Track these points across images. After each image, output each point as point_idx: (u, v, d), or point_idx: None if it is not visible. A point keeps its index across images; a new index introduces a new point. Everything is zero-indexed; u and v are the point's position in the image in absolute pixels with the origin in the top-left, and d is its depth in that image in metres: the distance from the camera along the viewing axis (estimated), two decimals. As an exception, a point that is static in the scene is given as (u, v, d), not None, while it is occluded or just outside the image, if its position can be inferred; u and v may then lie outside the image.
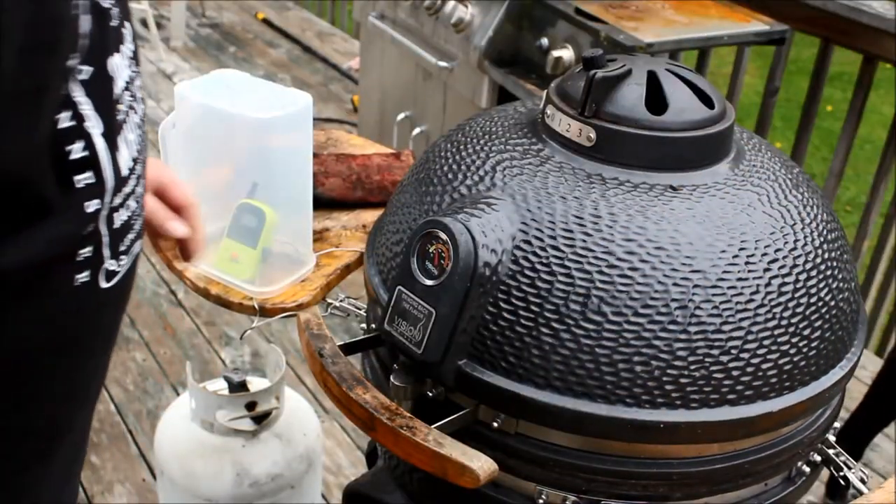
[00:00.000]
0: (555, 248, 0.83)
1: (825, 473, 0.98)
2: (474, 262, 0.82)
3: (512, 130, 0.96)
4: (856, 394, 2.09)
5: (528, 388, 0.84)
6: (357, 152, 1.44)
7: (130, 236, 0.62)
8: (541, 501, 0.90)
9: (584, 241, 0.83)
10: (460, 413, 0.88)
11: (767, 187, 0.90)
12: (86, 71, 0.53)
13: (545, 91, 0.96)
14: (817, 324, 0.87)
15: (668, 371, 0.81)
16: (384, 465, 1.09)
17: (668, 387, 0.82)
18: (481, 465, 0.81)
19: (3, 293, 0.52)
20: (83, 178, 0.54)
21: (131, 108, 0.61)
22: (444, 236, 0.84)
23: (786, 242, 0.86)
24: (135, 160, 0.61)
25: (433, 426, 0.85)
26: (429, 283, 0.85)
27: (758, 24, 2.18)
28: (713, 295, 0.82)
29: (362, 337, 0.94)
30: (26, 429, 0.60)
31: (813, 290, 0.86)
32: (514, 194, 0.87)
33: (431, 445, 0.82)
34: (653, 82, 0.90)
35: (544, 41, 2.15)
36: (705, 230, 0.84)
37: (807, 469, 0.97)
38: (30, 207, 0.52)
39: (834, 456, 0.97)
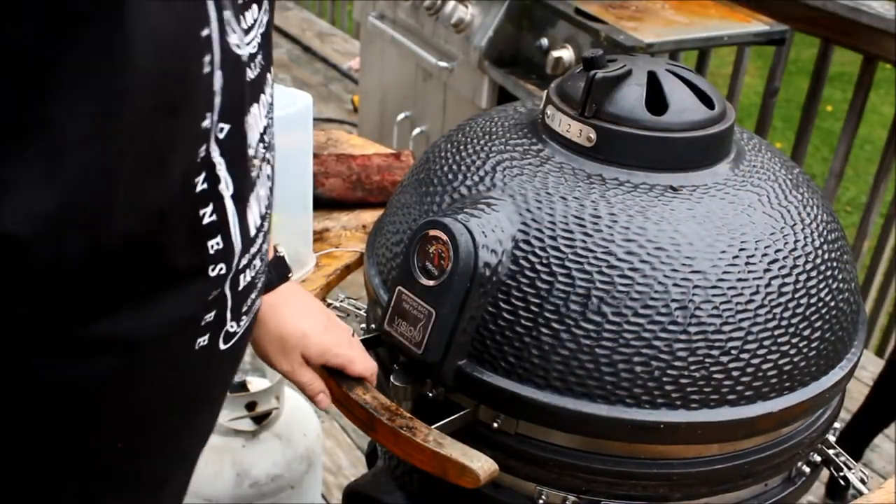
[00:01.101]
0: (555, 248, 0.83)
1: (825, 474, 0.98)
2: (474, 262, 0.82)
3: (512, 131, 0.96)
4: (856, 394, 2.09)
5: (528, 388, 0.84)
6: (357, 152, 1.44)
7: (252, 296, 0.59)
8: (541, 502, 0.90)
9: (585, 241, 0.83)
10: (460, 413, 0.88)
11: (767, 188, 0.90)
12: (223, 129, 0.50)
13: (545, 91, 0.96)
14: (817, 324, 0.87)
15: (668, 371, 0.81)
16: (384, 466, 1.09)
17: (668, 387, 0.82)
18: (481, 465, 0.81)
19: (129, 360, 0.50)
20: (214, 244, 0.51)
21: (265, 160, 0.58)
22: (444, 237, 0.84)
23: (786, 243, 0.86)
24: (263, 217, 0.58)
25: (433, 426, 0.85)
26: (429, 283, 0.85)
27: (758, 25, 2.18)
28: (713, 295, 0.82)
29: (362, 337, 0.94)
30: (139, 478, 0.59)
31: (813, 291, 0.86)
32: (514, 195, 0.87)
33: (431, 446, 0.82)
34: (653, 83, 0.90)
35: (544, 41, 2.15)
36: (705, 231, 0.84)
37: (807, 469, 0.97)
38: (163, 274, 0.49)
39: (834, 456, 0.97)
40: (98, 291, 0.47)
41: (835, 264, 0.90)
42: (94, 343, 0.48)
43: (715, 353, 0.82)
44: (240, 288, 0.56)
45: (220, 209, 0.51)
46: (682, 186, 0.87)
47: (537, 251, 0.84)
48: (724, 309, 0.82)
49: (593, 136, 0.88)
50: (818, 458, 0.97)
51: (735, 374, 0.83)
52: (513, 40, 2.24)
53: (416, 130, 2.62)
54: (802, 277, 0.86)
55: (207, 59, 0.46)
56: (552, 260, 0.83)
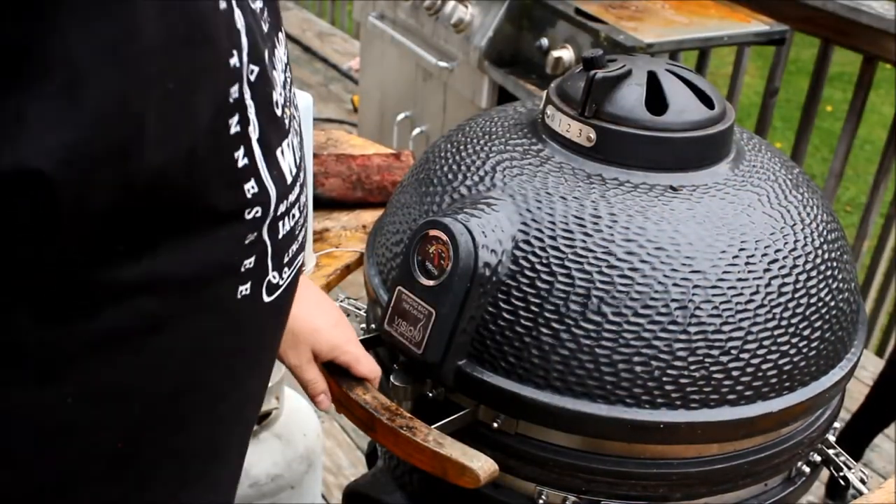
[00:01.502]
0: (555, 248, 0.83)
1: (825, 474, 0.99)
2: (474, 262, 0.82)
3: (512, 131, 0.96)
4: (856, 394, 2.09)
5: (528, 388, 0.84)
6: (357, 153, 1.44)
7: (294, 247, 0.58)
8: (541, 502, 0.90)
9: (584, 241, 0.83)
10: (460, 413, 0.88)
11: (767, 188, 0.90)
12: (254, 71, 0.49)
13: (545, 91, 0.96)
14: (817, 324, 0.87)
15: (668, 371, 0.81)
16: (384, 466, 1.09)
17: (668, 387, 0.82)
18: (481, 465, 0.81)
19: (170, 304, 0.49)
20: (249, 187, 0.50)
21: (292, 114, 0.57)
22: (444, 237, 0.84)
23: (786, 243, 0.86)
24: (297, 165, 0.56)
25: (433, 426, 0.85)
26: (429, 283, 0.85)
27: (758, 25, 2.18)
28: (713, 295, 0.82)
29: (362, 337, 0.94)
30: (188, 448, 0.57)
31: (813, 291, 0.86)
32: (514, 194, 0.87)
33: (431, 446, 0.82)
34: (653, 82, 0.90)
35: (544, 41, 2.15)
36: (705, 230, 0.84)
37: (807, 469, 0.97)
38: (199, 214, 0.48)
39: (834, 456, 0.97)
40: (131, 230, 0.46)
41: (835, 264, 0.90)
42: (129, 286, 0.47)
43: (715, 352, 0.82)
44: (279, 236, 0.54)
45: (249, 152, 0.50)
46: (681, 186, 0.87)
47: (537, 251, 0.84)
48: (723, 309, 0.82)
49: (593, 135, 0.88)
50: (818, 458, 0.97)
51: (735, 373, 0.83)
52: (513, 40, 2.25)
53: (416, 130, 2.62)
54: (802, 277, 0.86)
55: None
56: (552, 260, 0.83)
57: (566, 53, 2.08)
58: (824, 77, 2.48)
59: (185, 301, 0.50)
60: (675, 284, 0.81)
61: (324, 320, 0.87)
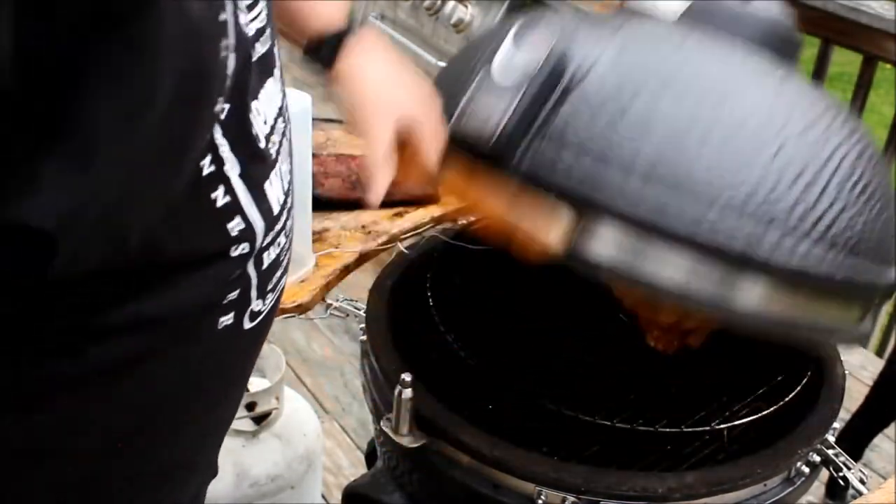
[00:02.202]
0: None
1: (825, 474, 0.99)
2: (564, 64, 0.79)
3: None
4: (855, 394, 2.08)
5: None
6: (356, 153, 1.44)
7: (278, 273, 0.58)
8: (540, 502, 0.90)
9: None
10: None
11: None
12: (224, 109, 0.49)
13: None
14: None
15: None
16: (384, 466, 1.09)
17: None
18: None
19: (152, 341, 0.50)
20: (233, 225, 0.51)
21: (284, 135, 0.57)
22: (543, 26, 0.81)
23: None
24: (286, 193, 0.57)
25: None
26: (514, 74, 0.81)
27: (757, 25, 2.18)
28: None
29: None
30: (168, 466, 0.59)
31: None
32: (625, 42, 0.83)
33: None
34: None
35: (544, 41, 2.15)
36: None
37: (806, 469, 0.97)
38: (183, 258, 0.49)
39: (833, 456, 0.97)
40: (119, 280, 0.47)
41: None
42: (115, 328, 0.48)
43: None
44: (264, 267, 0.55)
45: (230, 190, 0.50)
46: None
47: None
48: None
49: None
50: (818, 459, 0.97)
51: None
52: (512, 40, 2.24)
53: (416, 130, 2.62)
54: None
55: (224, 43, 0.46)
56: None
57: (566, 53, 2.08)
58: (824, 77, 2.47)
59: (167, 337, 0.51)
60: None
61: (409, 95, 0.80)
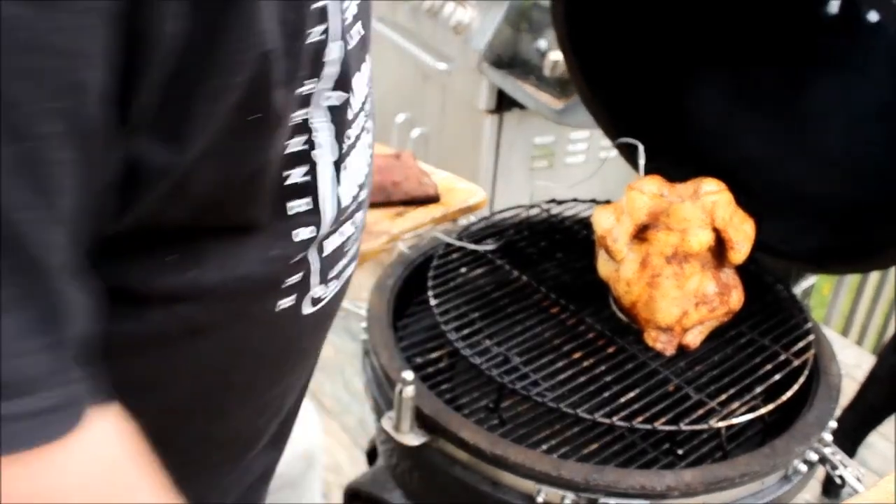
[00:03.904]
0: None
1: (821, 472, 0.99)
2: None
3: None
4: (852, 393, 2.09)
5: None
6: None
7: (343, 262, 0.58)
8: (540, 500, 0.91)
9: None
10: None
11: None
12: (335, 98, 0.50)
13: None
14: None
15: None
16: (384, 464, 1.10)
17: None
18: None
19: (211, 312, 0.51)
20: (297, 205, 0.51)
21: (364, 129, 0.57)
22: None
23: None
24: (360, 186, 0.57)
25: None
26: None
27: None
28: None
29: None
30: (227, 437, 0.60)
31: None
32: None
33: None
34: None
35: (543, 43, 2.16)
36: None
37: (803, 468, 0.98)
38: (235, 227, 0.49)
39: (830, 454, 0.98)
40: (181, 243, 0.48)
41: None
42: (175, 295, 0.49)
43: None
44: (325, 253, 0.55)
45: (313, 173, 0.51)
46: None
47: None
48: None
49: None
50: (814, 457, 0.98)
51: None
52: (512, 42, 2.25)
53: (415, 132, 2.63)
54: None
55: (319, 29, 0.47)
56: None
57: (564, 55, 2.09)
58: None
59: (226, 310, 0.52)
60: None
61: None
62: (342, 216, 0.55)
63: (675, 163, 1.23)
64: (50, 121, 0.37)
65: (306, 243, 0.53)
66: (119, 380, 0.48)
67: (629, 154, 1.20)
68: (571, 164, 2.42)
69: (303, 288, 0.55)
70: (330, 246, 0.56)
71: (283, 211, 0.51)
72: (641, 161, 1.17)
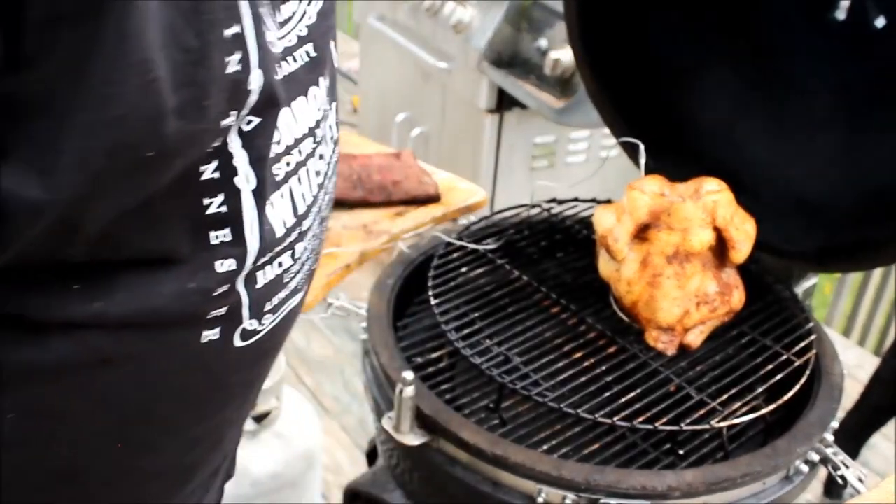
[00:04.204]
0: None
1: (823, 472, 0.99)
2: None
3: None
4: (854, 393, 2.09)
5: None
6: (357, 152, 1.44)
7: (282, 294, 0.56)
8: (540, 500, 0.90)
9: None
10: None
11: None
12: (253, 122, 0.47)
13: None
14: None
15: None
16: (384, 465, 1.09)
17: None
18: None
19: (122, 343, 0.48)
20: (219, 235, 0.48)
21: (312, 154, 0.55)
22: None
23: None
24: (301, 216, 0.55)
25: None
26: None
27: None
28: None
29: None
30: (155, 471, 0.58)
31: None
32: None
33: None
34: None
35: (543, 42, 2.15)
36: None
37: (805, 468, 0.98)
38: (148, 260, 0.47)
39: (832, 455, 0.97)
40: (87, 272, 0.45)
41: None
42: (80, 324, 0.47)
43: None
44: (258, 286, 0.53)
45: (233, 202, 0.48)
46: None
47: None
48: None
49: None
50: (816, 457, 0.98)
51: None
52: (512, 41, 2.25)
53: (416, 131, 2.62)
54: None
55: (236, 57, 0.44)
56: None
57: (565, 54, 2.08)
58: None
59: (139, 341, 0.49)
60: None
61: None
62: (276, 247, 0.52)
63: (676, 162, 1.22)
64: None
65: (231, 275, 0.50)
66: (28, 409, 0.47)
67: (632, 152, 1.20)
68: (572, 163, 2.42)
69: (231, 321, 0.52)
70: (263, 279, 0.53)
71: (205, 240, 0.48)
72: (642, 160, 1.17)
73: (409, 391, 0.92)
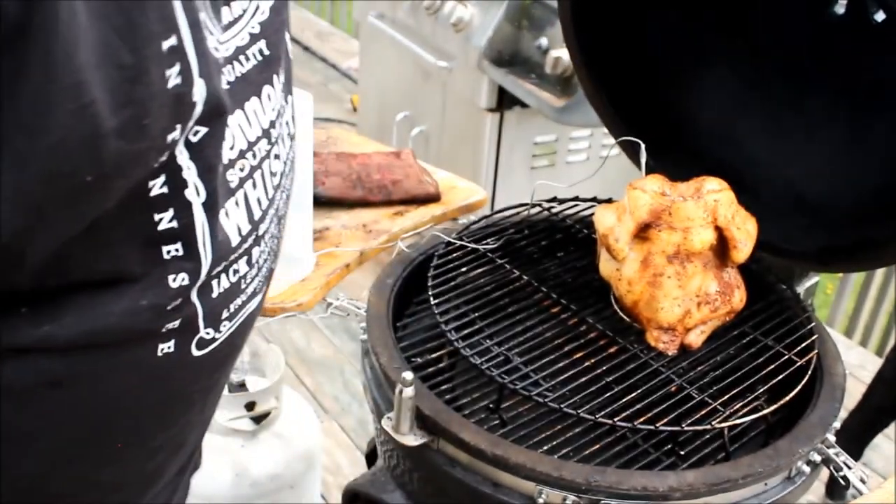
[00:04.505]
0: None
1: (825, 473, 0.99)
2: None
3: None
4: (856, 394, 2.09)
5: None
6: (357, 151, 1.44)
7: (240, 300, 0.55)
8: (541, 501, 0.90)
9: None
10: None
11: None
12: (199, 132, 0.46)
13: None
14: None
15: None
16: (384, 465, 1.09)
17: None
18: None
19: (75, 364, 0.47)
20: (170, 250, 0.47)
21: (267, 156, 0.53)
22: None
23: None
24: (257, 220, 0.54)
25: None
26: None
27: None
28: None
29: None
30: (117, 481, 0.57)
31: None
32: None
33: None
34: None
35: (544, 41, 2.15)
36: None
37: (807, 469, 0.97)
38: (97, 281, 0.46)
39: (834, 455, 0.97)
40: (34, 296, 0.44)
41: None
42: (29, 348, 0.46)
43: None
44: (213, 295, 0.52)
45: (184, 215, 0.47)
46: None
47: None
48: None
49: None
50: (818, 458, 0.97)
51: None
52: (512, 40, 2.24)
53: (416, 130, 2.62)
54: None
55: (175, 70, 0.42)
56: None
57: (566, 52, 2.08)
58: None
59: (91, 362, 0.48)
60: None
61: None
62: (231, 255, 0.51)
63: (677, 161, 1.22)
64: None
65: (184, 289, 0.49)
66: None
67: (632, 152, 1.20)
68: (573, 162, 2.41)
69: (186, 331, 0.51)
70: (218, 288, 0.52)
71: (157, 256, 0.47)
72: (643, 159, 1.16)
73: (409, 391, 0.92)
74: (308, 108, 1.08)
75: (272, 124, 0.53)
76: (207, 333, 0.53)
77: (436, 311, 1.08)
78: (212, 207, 0.49)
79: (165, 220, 0.46)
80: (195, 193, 0.47)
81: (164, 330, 0.50)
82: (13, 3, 0.34)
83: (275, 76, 0.53)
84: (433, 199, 1.37)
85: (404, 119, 2.68)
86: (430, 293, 1.11)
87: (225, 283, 0.52)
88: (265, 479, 1.52)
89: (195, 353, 0.53)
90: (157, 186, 0.45)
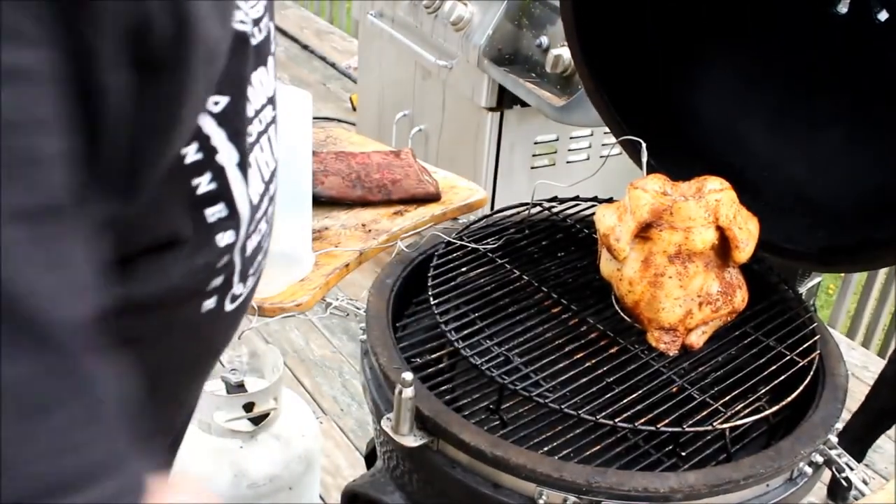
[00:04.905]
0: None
1: (827, 474, 0.98)
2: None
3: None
4: (857, 394, 2.08)
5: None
6: (356, 150, 1.43)
7: (259, 258, 0.60)
8: (541, 502, 0.89)
9: None
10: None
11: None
12: (221, 102, 0.50)
13: None
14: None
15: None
16: (383, 466, 1.08)
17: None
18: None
19: (133, 321, 0.50)
20: (214, 212, 0.51)
21: (271, 122, 0.58)
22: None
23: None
24: (267, 181, 0.58)
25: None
26: None
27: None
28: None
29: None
30: (157, 429, 0.61)
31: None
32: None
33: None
34: None
35: (544, 39, 2.14)
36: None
37: (808, 470, 0.97)
38: (157, 245, 0.49)
39: (836, 457, 0.96)
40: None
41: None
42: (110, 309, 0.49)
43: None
44: (248, 253, 0.57)
45: (220, 178, 0.51)
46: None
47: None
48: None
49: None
50: (820, 459, 0.97)
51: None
52: (512, 38, 2.24)
53: (415, 129, 2.61)
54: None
55: (224, 47, 0.47)
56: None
57: (566, 51, 2.07)
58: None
59: (153, 321, 0.52)
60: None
61: None
62: (256, 214, 0.56)
63: (678, 161, 1.21)
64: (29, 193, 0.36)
65: (230, 247, 0.53)
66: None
67: (633, 151, 1.19)
68: (573, 161, 2.41)
69: (225, 288, 0.56)
70: (251, 245, 0.57)
71: (202, 219, 0.51)
72: (644, 159, 1.16)
73: (409, 392, 0.91)
74: (307, 107, 1.08)
75: (274, 93, 0.58)
76: (238, 289, 0.57)
77: (436, 312, 1.08)
78: (244, 168, 0.53)
79: (203, 184, 0.50)
80: (228, 158, 0.51)
81: (209, 288, 0.54)
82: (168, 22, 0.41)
83: (270, 57, 0.57)
84: (433, 198, 1.36)
85: (404, 118, 2.67)
86: (429, 293, 1.11)
87: (255, 241, 0.57)
88: (264, 480, 1.51)
89: (228, 307, 0.57)
90: (192, 154, 0.49)
